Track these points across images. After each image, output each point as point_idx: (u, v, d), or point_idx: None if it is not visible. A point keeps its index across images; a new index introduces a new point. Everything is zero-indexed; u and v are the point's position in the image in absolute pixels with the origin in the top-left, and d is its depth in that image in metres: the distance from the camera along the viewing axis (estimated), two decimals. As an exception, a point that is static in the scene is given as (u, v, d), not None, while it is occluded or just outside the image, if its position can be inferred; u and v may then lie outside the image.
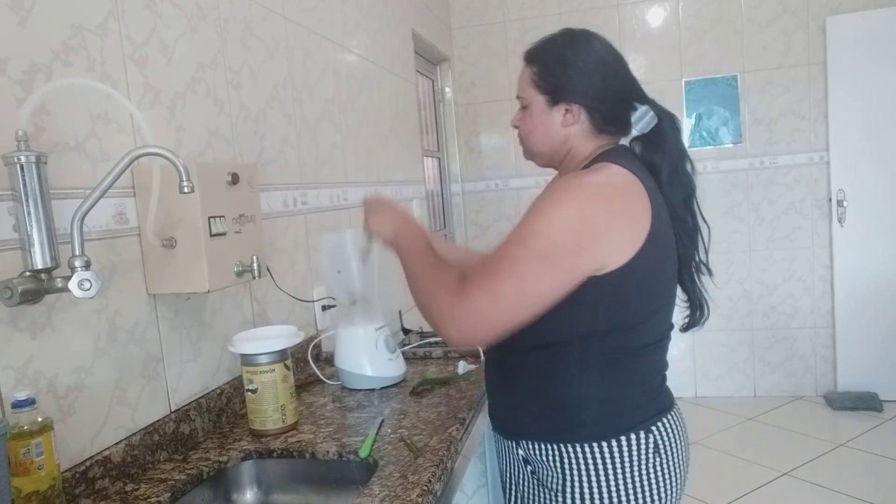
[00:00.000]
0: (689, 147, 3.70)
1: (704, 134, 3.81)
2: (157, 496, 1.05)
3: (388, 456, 1.13)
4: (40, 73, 1.01)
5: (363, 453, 1.14)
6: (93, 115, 1.10)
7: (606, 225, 1.02)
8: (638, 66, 3.79)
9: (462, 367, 1.58)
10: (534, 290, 0.99)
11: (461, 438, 1.22)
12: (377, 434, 1.23)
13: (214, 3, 1.48)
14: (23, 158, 0.91)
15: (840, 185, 3.64)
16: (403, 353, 1.71)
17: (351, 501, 1.04)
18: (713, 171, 3.81)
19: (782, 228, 3.81)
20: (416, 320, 2.73)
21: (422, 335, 2.00)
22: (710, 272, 1.22)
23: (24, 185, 0.91)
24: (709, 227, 1.21)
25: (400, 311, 2.09)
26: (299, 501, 1.21)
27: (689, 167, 1.18)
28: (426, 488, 0.99)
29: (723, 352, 3.94)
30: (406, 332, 2.05)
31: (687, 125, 3.82)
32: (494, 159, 4.08)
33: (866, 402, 3.57)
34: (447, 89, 4.07)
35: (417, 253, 1.15)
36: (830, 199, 3.68)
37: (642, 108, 1.16)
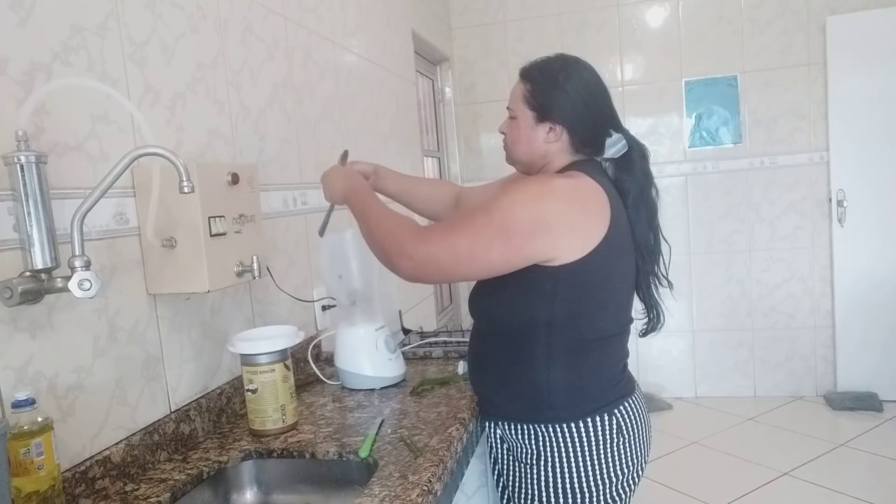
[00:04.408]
0: (689, 147, 3.76)
1: (704, 134, 3.80)
2: (157, 496, 1.05)
3: (388, 456, 1.13)
4: (40, 73, 1.01)
5: (363, 453, 1.14)
6: (93, 115, 1.10)
7: (561, 221, 1.14)
8: (638, 66, 3.79)
9: (462, 367, 1.58)
10: (483, 253, 1.13)
11: (461, 438, 1.22)
12: (377, 434, 1.23)
13: (214, 3, 1.48)
14: (23, 158, 0.90)
15: (840, 186, 3.64)
16: (403, 353, 1.70)
17: (351, 501, 1.05)
18: (713, 171, 3.79)
19: (782, 228, 3.81)
20: (416, 320, 2.73)
21: (422, 335, 2.00)
22: (670, 284, 1.36)
23: (24, 185, 0.91)
24: (669, 246, 1.34)
25: (400, 311, 2.09)
26: (299, 501, 1.21)
27: (654, 192, 1.32)
28: (426, 488, 0.99)
29: (723, 352, 3.94)
30: (406, 332, 2.05)
31: (687, 125, 3.80)
32: (494, 159, 4.06)
33: (866, 402, 3.57)
34: (447, 89, 4.07)
35: (372, 205, 1.28)
36: (830, 200, 3.69)
37: (616, 136, 1.29)
